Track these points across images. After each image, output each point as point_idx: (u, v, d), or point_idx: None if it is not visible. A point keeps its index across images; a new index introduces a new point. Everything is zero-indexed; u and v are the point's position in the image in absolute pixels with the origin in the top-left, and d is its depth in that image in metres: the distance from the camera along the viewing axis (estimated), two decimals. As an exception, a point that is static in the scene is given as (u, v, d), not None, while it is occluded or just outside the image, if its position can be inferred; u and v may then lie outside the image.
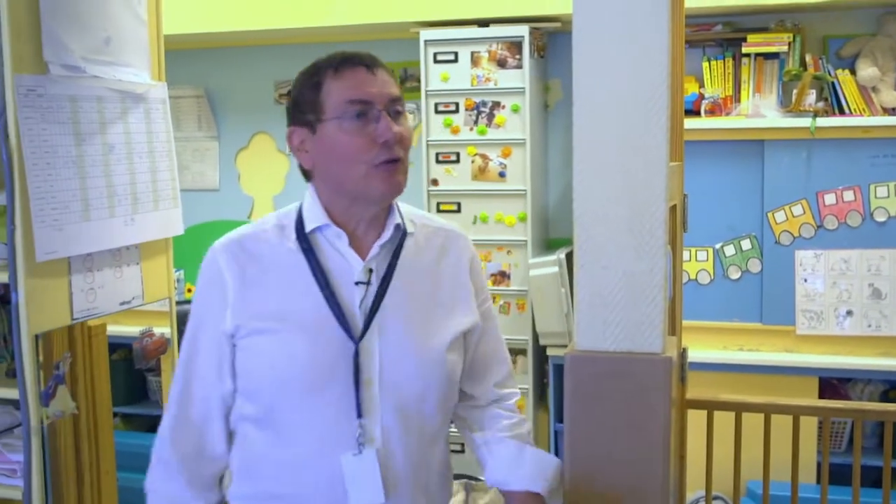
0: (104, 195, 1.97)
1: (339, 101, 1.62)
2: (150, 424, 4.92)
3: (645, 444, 1.82)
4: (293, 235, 1.70)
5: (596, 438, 1.85)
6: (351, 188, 1.65)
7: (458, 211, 4.29)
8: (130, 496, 3.04)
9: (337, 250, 1.69)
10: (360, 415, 1.64)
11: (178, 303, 2.44)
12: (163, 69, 2.21)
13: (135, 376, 4.90)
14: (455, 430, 1.90)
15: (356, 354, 1.64)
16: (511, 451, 1.82)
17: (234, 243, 1.71)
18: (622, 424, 1.83)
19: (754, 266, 4.17)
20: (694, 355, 3.81)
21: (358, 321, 1.66)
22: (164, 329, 2.39)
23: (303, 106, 1.66)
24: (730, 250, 4.20)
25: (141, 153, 2.10)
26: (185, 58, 5.05)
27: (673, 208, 2.72)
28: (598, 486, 1.82)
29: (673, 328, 2.74)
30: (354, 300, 1.67)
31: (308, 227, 1.70)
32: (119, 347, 4.15)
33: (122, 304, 2.08)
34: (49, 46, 1.83)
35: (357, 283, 1.67)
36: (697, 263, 4.23)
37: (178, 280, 4.79)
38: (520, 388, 4.31)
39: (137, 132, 2.09)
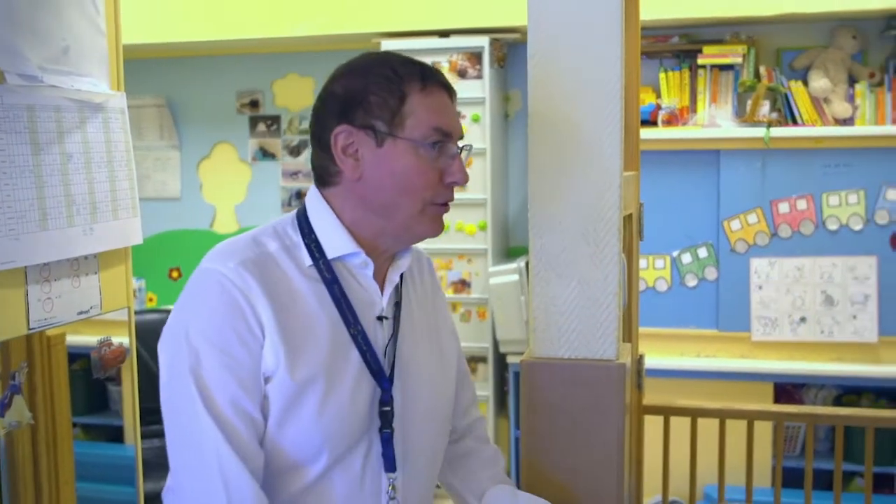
0: (62, 204, 1.97)
1: (424, 124, 1.44)
2: (111, 434, 4.88)
3: (600, 450, 1.85)
4: (307, 261, 1.48)
5: (551, 444, 1.87)
6: (399, 220, 1.47)
7: (420, 220, 4.31)
8: (90, 507, 3.03)
9: (356, 279, 1.51)
10: (388, 468, 1.51)
11: (137, 312, 2.44)
12: (122, 79, 2.21)
13: (95, 386, 4.85)
14: None
15: (386, 403, 1.50)
16: (501, 499, 1.72)
17: (252, 263, 1.43)
18: (577, 430, 1.85)
19: (710, 274, 4.24)
20: (652, 362, 3.87)
21: (383, 364, 1.51)
22: (123, 339, 2.39)
23: (372, 109, 1.43)
24: (686, 258, 4.26)
25: (100, 163, 2.10)
26: (147, 67, 5.05)
27: (629, 217, 2.76)
28: (554, 492, 1.84)
29: (629, 335, 2.78)
30: (377, 339, 1.51)
31: (332, 253, 1.48)
32: (79, 357, 4.12)
33: (80, 313, 2.07)
34: (5, 55, 1.82)
35: (379, 318, 1.52)
36: (655, 271, 4.29)
37: (139, 289, 4.77)
38: (480, 395, 4.32)
39: (96, 142, 2.09)
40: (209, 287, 1.40)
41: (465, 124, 4.24)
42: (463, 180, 1.48)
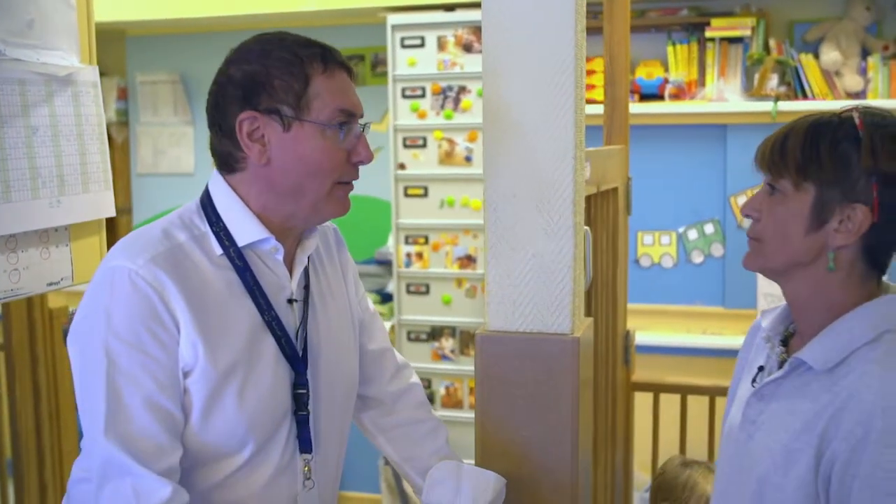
0: (27, 177, 1.99)
1: (329, 106, 1.45)
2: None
3: (554, 423, 1.84)
4: (217, 250, 1.47)
5: (506, 417, 1.86)
6: (308, 202, 1.48)
7: (425, 195, 4.31)
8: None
9: (266, 264, 1.51)
10: (304, 450, 1.54)
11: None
12: (93, 52, 2.23)
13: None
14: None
15: (300, 387, 1.52)
16: (446, 475, 1.75)
17: (162, 258, 1.41)
18: (532, 404, 1.85)
19: (717, 250, 4.19)
20: (657, 339, 3.86)
21: (296, 347, 1.52)
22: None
23: (277, 93, 1.44)
24: (693, 234, 4.22)
25: (69, 136, 2.12)
26: (161, 44, 5.08)
27: (613, 191, 2.74)
28: (508, 465, 1.84)
29: (612, 309, 2.76)
30: (289, 323, 1.52)
31: (242, 241, 1.48)
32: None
33: (50, 284, 2.10)
34: (-31, 30, 1.84)
35: (289, 301, 1.53)
36: (661, 247, 4.25)
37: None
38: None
39: (65, 115, 2.10)
40: (120, 285, 1.38)
41: (471, 99, 4.22)
42: (368, 159, 1.50)
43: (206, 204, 1.52)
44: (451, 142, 4.27)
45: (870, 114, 1.40)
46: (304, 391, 1.53)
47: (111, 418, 1.36)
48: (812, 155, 1.39)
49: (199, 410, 1.42)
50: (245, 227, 1.48)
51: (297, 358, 1.52)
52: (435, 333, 4.33)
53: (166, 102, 5.15)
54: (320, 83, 1.45)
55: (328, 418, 1.61)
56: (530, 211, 1.84)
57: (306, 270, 1.60)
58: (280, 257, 1.52)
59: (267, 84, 1.44)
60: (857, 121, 1.39)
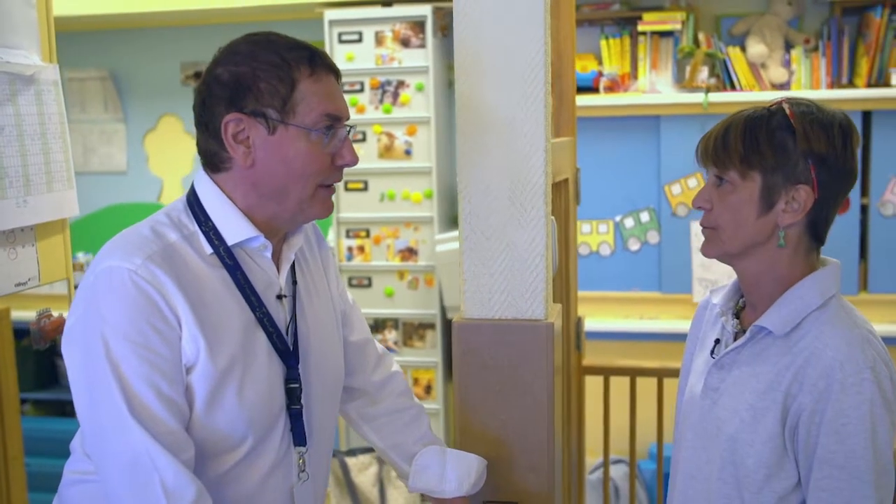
0: (-5, 177, 1.98)
1: (315, 110, 1.46)
2: (61, 409, 4.88)
3: (530, 406, 1.91)
4: (208, 249, 1.49)
5: (483, 401, 1.92)
6: (291, 204, 1.50)
7: (366, 189, 4.34)
8: (41, 481, 3.04)
9: (255, 262, 1.53)
10: (299, 443, 1.58)
11: (77, 286, 2.45)
12: (54, 51, 2.21)
13: (44, 362, 4.85)
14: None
15: (292, 381, 1.56)
16: (431, 460, 1.80)
17: (159, 257, 1.42)
18: (508, 388, 1.91)
19: (653, 237, 4.31)
20: (596, 325, 3.95)
21: (287, 342, 1.55)
22: (63, 311, 2.40)
23: (263, 96, 1.45)
24: (629, 222, 4.34)
25: (33, 135, 2.10)
26: (89, 39, 5.00)
27: (564, 182, 2.82)
28: (487, 447, 1.90)
29: (566, 297, 2.84)
30: (279, 318, 1.55)
31: (232, 239, 1.49)
32: (27, 334, 4.13)
33: (18, 285, 2.08)
34: (-68, 29, 1.82)
35: (278, 298, 1.56)
36: (599, 236, 4.36)
37: (87, 264, 4.75)
38: (428, 362, 4.38)
39: (29, 114, 2.09)
40: (120, 285, 1.38)
41: (410, 93, 4.27)
42: (353, 162, 1.52)
43: (194, 203, 1.52)
44: (390, 136, 4.31)
45: (796, 104, 1.55)
46: (296, 385, 1.56)
47: (134, 413, 1.37)
48: (753, 146, 1.53)
49: (200, 407, 1.44)
50: (234, 226, 1.50)
51: (288, 353, 1.55)
52: (378, 326, 4.37)
53: (96, 99, 5.07)
54: (307, 87, 1.47)
55: (320, 411, 1.64)
56: (503, 202, 1.90)
57: (292, 267, 1.63)
58: (268, 254, 1.54)
59: (253, 87, 1.45)
60: (787, 111, 1.54)
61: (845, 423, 1.43)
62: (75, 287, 2.41)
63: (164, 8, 4.47)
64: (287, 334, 1.56)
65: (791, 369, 1.50)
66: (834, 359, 1.45)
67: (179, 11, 4.50)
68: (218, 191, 1.51)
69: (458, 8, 1.89)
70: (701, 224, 1.64)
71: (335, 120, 1.50)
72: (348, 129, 1.54)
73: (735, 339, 1.63)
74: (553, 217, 2.11)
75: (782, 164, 1.51)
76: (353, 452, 4.25)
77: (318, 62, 1.49)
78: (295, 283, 1.62)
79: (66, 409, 4.86)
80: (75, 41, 4.97)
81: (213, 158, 1.51)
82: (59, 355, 3.46)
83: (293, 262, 1.63)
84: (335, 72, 1.53)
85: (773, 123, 1.53)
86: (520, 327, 1.91)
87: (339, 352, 1.75)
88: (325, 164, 1.49)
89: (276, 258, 1.58)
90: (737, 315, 1.68)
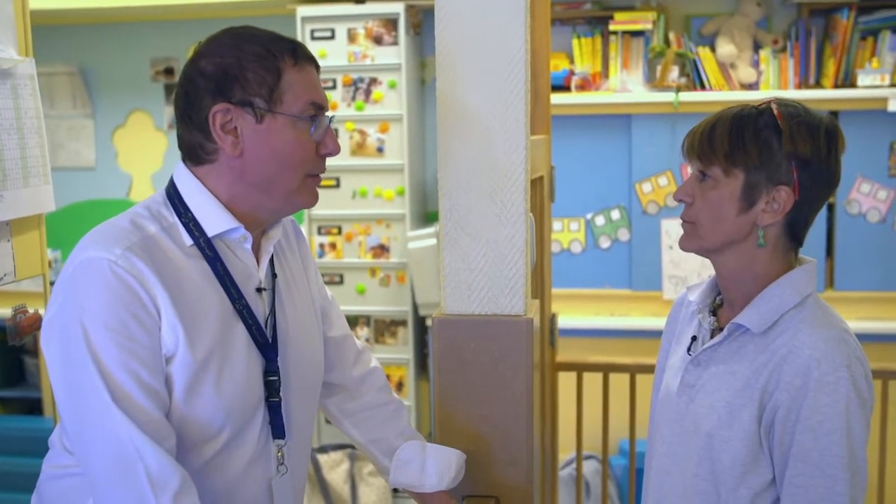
0: (-29, 172, 1.96)
1: (301, 99, 1.48)
2: (28, 407, 4.82)
3: (510, 400, 1.92)
4: (188, 240, 1.49)
5: (463, 396, 1.94)
6: (280, 194, 1.51)
7: (338, 186, 4.34)
8: (7, 479, 3.01)
9: (234, 254, 1.54)
10: (277, 436, 1.58)
11: (53, 283, 2.43)
12: (30, 45, 2.19)
13: (11, 359, 4.79)
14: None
15: (271, 374, 1.56)
16: (412, 455, 1.83)
17: (138, 248, 1.43)
18: (488, 382, 1.93)
19: (623, 235, 4.35)
20: (567, 322, 3.97)
21: (266, 335, 1.56)
22: (39, 308, 2.38)
23: (250, 86, 1.46)
24: (600, 220, 4.37)
25: (9, 130, 2.09)
26: (58, 34, 4.95)
27: (539, 179, 2.84)
28: (467, 441, 1.91)
29: (540, 293, 2.86)
30: (259, 311, 1.56)
31: (212, 231, 1.50)
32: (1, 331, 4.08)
33: (-6, 280, 2.07)
34: None
35: (258, 290, 1.57)
36: (570, 233, 4.39)
37: (54, 260, 4.70)
38: (400, 358, 4.38)
39: (5, 108, 2.07)
40: (100, 275, 1.39)
41: (382, 91, 4.27)
42: (336, 150, 1.55)
43: (173, 195, 1.53)
44: (362, 133, 4.31)
45: (785, 105, 1.57)
46: (275, 378, 1.57)
47: (117, 402, 1.37)
48: (738, 144, 1.54)
49: (179, 396, 1.44)
50: (214, 218, 1.50)
51: (267, 345, 1.56)
52: (350, 322, 4.35)
53: (64, 95, 5.02)
54: (292, 76, 1.48)
55: (298, 405, 1.65)
56: (484, 199, 1.92)
57: (272, 260, 1.64)
58: (248, 246, 1.54)
59: (240, 76, 1.46)
60: (775, 111, 1.55)
61: (821, 420, 1.45)
62: (51, 284, 2.39)
63: (134, 3, 4.44)
64: (266, 327, 1.57)
65: (768, 367, 1.52)
66: (811, 357, 1.47)
67: (150, 7, 4.48)
68: (198, 183, 1.52)
69: (439, 4, 1.90)
70: (681, 217, 1.65)
71: (319, 109, 1.52)
72: (329, 119, 1.56)
73: (712, 337, 1.64)
74: (531, 214, 2.13)
75: (766, 164, 1.53)
76: (324, 449, 4.25)
77: (300, 53, 1.52)
78: (275, 276, 1.63)
79: (33, 407, 4.80)
80: (44, 35, 4.90)
81: (197, 151, 1.52)
82: (28, 352, 3.45)
83: (272, 256, 1.63)
84: (315, 64, 1.56)
85: (760, 122, 1.54)
86: (500, 323, 1.92)
87: (319, 346, 1.76)
88: (312, 153, 1.51)
89: (256, 251, 1.58)
90: (713, 312, 1.69)
